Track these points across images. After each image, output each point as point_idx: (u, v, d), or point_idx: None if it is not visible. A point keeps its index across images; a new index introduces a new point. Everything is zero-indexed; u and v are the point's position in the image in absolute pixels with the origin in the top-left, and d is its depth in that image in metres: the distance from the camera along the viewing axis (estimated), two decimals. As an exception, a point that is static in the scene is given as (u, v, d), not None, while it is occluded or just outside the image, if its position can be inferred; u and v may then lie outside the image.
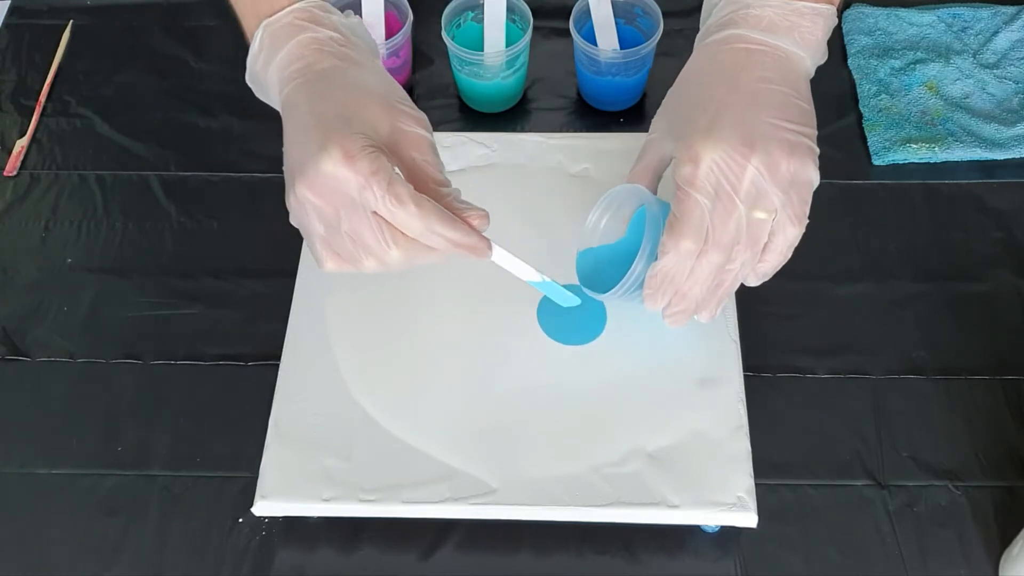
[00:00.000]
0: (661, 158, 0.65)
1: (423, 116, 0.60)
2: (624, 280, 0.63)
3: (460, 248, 0.57)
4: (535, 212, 0.75)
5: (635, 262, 0.63)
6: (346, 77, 0.59)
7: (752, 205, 0.58)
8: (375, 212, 0.55)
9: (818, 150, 0.60)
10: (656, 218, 0.63)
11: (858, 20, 0.91)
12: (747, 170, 0.57)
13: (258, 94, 0.65)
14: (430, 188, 0.57)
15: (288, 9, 0.61)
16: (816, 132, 0.60)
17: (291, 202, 0.58)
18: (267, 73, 0.61)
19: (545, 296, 0.71)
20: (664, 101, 0.65)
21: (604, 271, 0.68)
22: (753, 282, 0.63)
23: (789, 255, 0.61)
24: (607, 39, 0.83)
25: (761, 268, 0.61)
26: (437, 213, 0.55)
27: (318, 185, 0.55)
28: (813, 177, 0.59)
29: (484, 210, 0.58)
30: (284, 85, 0.60)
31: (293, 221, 0.59)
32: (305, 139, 0.57)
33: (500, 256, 0.61)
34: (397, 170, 0.56)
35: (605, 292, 0.65)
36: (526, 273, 0.63)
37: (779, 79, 0.60)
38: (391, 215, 0.55)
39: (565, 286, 0.69)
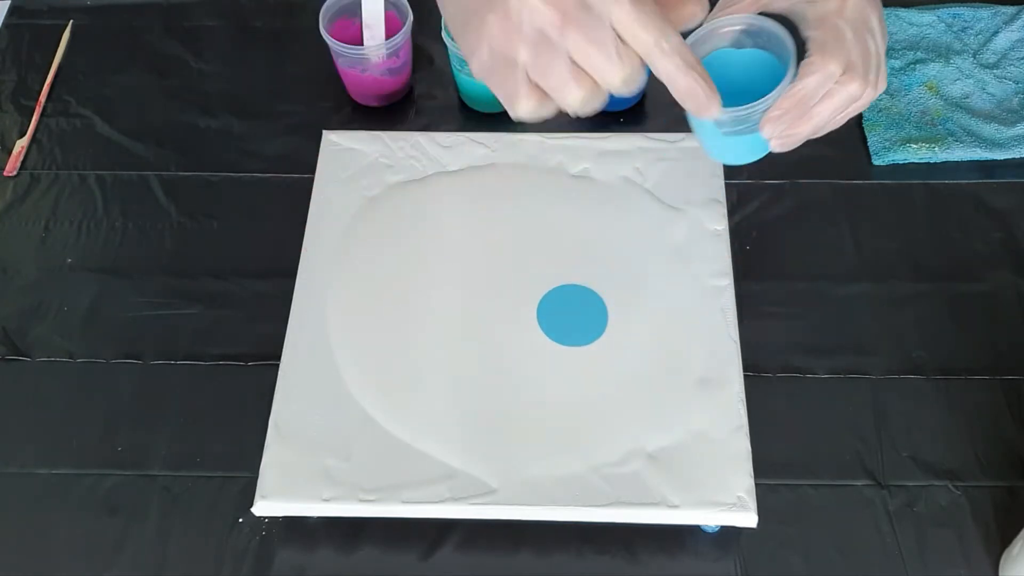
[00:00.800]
0: None
1: None
2: (766, 98, 0.59)
3: (686, 96, 0.51)
4: (535, 212, 0.75)
5: (781, 83, 0.59)
6: None
7: (879, 48, 0.60)
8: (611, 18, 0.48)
9: None
10: (789, 47, 0.60)
11: (858, 20, 0.91)
12: (876, 9, 0.60)
13: None
14: None
15: None
16: None
17: (490, 25, 0.49)
18: None
19: (545, 297, 0.71)
20: None
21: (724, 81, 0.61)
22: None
23: (862, 108, 0.63)
24: None
25: (851, 107, 0.62)
26: (676, 36, 0.50)
27: None
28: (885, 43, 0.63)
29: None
30: None
31: (479, 62, 0.51)
32: None
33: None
34: None
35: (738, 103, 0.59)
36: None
37: None
38: (630, 25, 0.48)
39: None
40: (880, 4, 0.62)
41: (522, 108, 0.51)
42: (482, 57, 0.51)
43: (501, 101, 0.52)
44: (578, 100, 0.50)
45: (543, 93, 0.51)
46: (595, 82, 0.50)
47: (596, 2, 0.48)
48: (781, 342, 0.74)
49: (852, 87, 0.59)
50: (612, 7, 0.48)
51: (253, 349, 0.74)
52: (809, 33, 0.60)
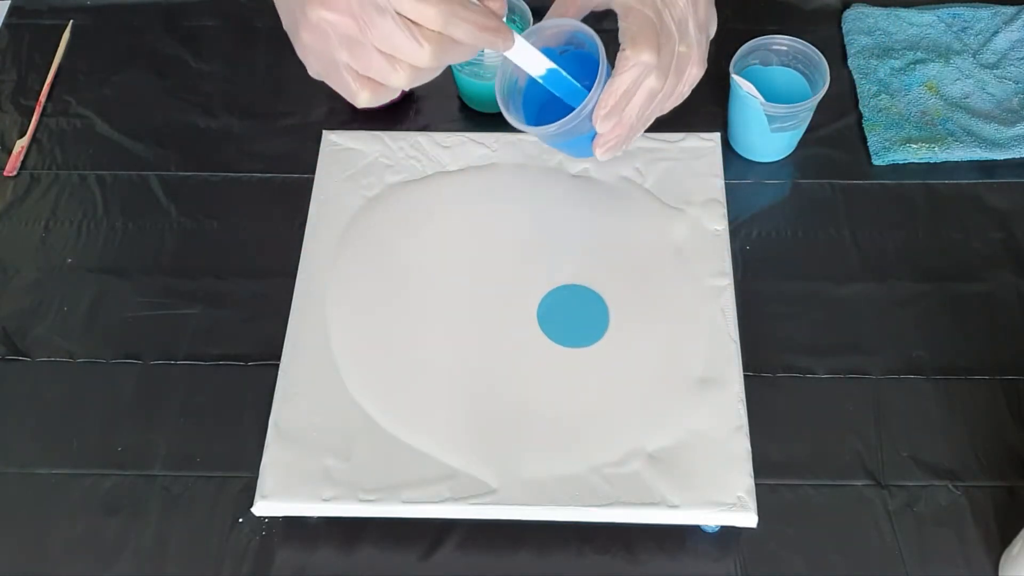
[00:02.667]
0: None
1: None
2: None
3: (485, 33, 0.56)
4: (535, 212, 0.75)
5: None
6: None
7: (679, 38, 0.62)
8: (397, 12, 0.53)
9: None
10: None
11: (858, 20, 0.91)
12: (679, 4, 0.62)
13: None
14: None
15: None
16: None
17: (304, 39, 0.56)
18: None
19: (545, 298, 0.71)
20: None
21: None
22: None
23: (686, 94, 0.65)
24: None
25: (667, 104, 0.65)
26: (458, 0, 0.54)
27: (332, 1, 0.53)
28: (713, 28, 0.66)
29: None
30: None
31: (313, 69, 0.58)
32: None
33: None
34: None
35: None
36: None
37: None
38: (414, 8, 0.53)
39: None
40: (712, 4, 0.63)
41: (361, 99, 0.57)
42: (313, 65, 0.57)
43: (345, 97, 0.58)
44: (403, 81, 0.56)
45: (376, 81, 0.56)
46: (411, 63, 0.55)
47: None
48: (781, 342, 0.74)
49: (651, 83, 0.62)
50: (393, 1, 0.52)
51: (253, 349, 0.74)
52: (620, 24, 0.63)
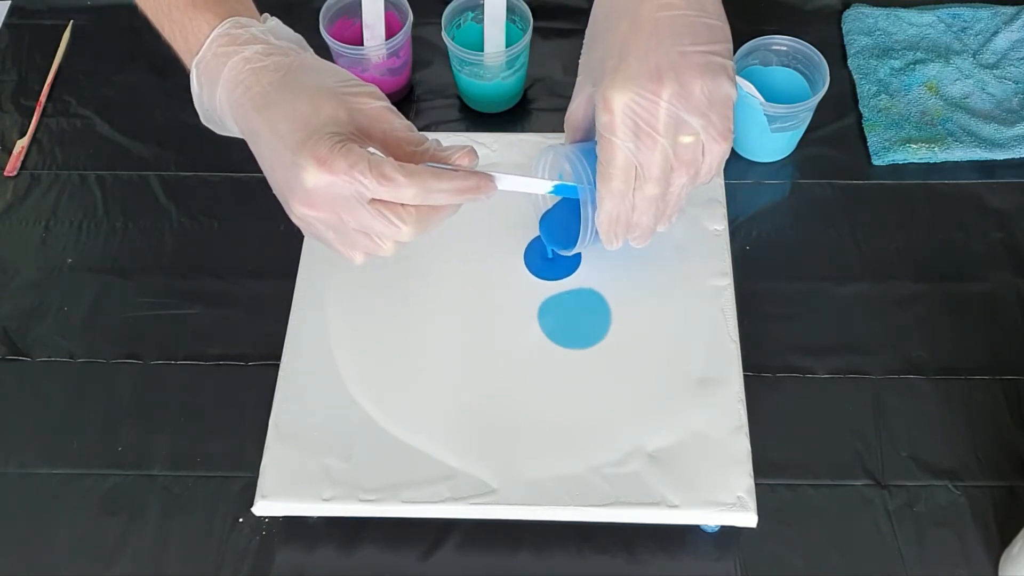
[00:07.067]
0: (589, 98, 0.66)
1: (372, 87, 0.59)
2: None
3: (466, 193, 0.58)
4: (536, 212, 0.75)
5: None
6: (287, 86, 0.58)
7: (675, 134, 0.60)
8: (372, 200, 0.55)
9: (731, 62, 0.61)
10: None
11: (858, 20, 0.91)
12: (660, 106, 0.59)
13: (219, 131, 0.64)
14: (408, 151, 0.58)
15: (208, 40, 0.61)
16: (729, 44, 0.61)
17: (294, 220, 0.59)
18: (215, 108, 0.61)
19: (545, 300, 0.71)
20: (584, 42, 0.66)
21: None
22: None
23: (721, 169, 0.63)
24: None
25: (699, 182, 0.63)
26: (428, 173, 0.56)
27: (310, 200, 0.56)
28: (730, 92, 0.60)
29: (468, 145, 0.59)
30: (235, 115, 0.59)
31: (306, 234, 0.61)
32: (278, 161, 0.57)
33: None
34: (372, 149, 0.57)
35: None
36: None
37: (681, 3, 0.60)
38: (388, 194, 0.55)
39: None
40: (712, 70, 0.59)
41: (358, 262, 0.59)
42: (304, 233, 0.60)
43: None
44: (391, 252, 0.58)
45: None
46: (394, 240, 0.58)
47: (351, 193, 0.55)
48: (781, 342, 0.74)
49: (649, 192, 0.62)
50: (363, 193, 0.55)
51: (253, 349, 0.74)
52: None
